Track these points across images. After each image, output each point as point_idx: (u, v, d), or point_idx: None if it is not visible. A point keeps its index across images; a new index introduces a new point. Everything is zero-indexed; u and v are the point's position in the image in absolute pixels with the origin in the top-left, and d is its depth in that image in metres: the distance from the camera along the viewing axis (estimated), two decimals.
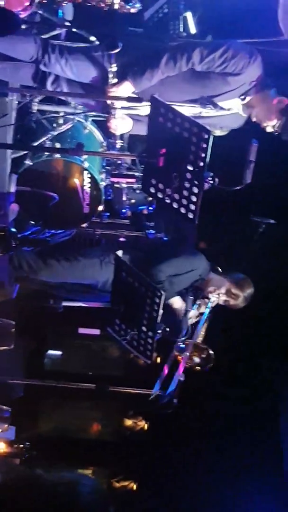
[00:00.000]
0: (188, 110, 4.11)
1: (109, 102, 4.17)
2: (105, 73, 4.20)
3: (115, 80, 4.09)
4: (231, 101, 4.23)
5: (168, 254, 4.79)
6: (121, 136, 4.54)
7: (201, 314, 4.70)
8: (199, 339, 4.57)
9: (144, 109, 3.96)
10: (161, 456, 6.92)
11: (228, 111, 4.28)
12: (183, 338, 4.48)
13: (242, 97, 4.20)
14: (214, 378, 6.02)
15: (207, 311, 4.68)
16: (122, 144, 4.60)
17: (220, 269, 4.95)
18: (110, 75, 4.06)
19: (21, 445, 5.23)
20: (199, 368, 4.58)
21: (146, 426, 7.24)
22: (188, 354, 4.44)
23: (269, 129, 4.26)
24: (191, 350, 4.49)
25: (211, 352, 4.54)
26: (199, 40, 4.53)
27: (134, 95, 4.14)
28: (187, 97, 4.16)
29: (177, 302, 4.71)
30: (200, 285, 4.81)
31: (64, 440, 7.34)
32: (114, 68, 4.04)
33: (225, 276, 4.87)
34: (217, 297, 4.74)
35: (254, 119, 4.31)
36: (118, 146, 4.53)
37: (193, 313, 4.70)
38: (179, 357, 4.49)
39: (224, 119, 4.35)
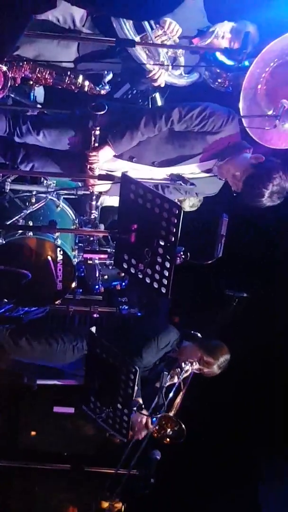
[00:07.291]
0: (170, 170, 4.17)
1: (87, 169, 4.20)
2: (80, 137, 4.27)
3: (96, 144, 4.15)
4: (208, 162, 4.26)
5: (144, 338, 4.77)
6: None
7: (173, 384, 4.64)
8: (172, 412, 4.49)
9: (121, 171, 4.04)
10: None
11: (206, 173, 4.32)
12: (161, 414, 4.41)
13: (219, 158, 4.22)
14: (192, 455, 5.94)
15: (179, 380, 4.62)
16: (95, 221, 4.67)
17: (195, 335, 4.93)
18: (93, 138, 4.11)
19: None
20: (168, 440, 4.48)
21: (123, 508, 7.03)
22: (157, 426, 4.37)
23: (234, 188, 4.25)
24: (162, 422, 4.42)
25: (183, 426, 4.45)
26: None
27: (107, 171, 4.22)
28: (164, 157, 4.22)
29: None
30: (172, 355, 4.78)
31: None
32: (97, 131, 4.09)
33: (197, 344, 4.85)
34: (189, 365, 4.70)
35: (223, 178, 4.33)
36: (92, 216, 4.58)
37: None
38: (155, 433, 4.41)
39: (202, 184, 4.39)
